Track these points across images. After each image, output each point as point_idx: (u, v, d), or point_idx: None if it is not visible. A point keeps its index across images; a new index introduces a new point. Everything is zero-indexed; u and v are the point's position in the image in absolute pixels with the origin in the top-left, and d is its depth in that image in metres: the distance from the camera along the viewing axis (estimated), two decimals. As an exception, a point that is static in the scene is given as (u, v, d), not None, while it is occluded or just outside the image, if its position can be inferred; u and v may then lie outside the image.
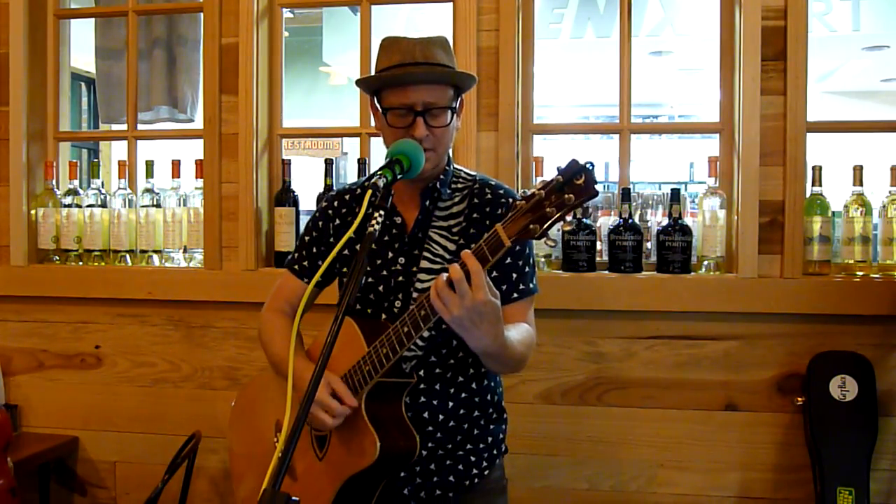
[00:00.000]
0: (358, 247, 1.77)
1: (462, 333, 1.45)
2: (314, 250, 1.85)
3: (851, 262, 2.45)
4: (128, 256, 2.84)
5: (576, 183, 1.30)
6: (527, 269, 1.71)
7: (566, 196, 1.31)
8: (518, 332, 1.60)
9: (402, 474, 1.69)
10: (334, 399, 1.57)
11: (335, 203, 1.85)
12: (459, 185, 1.76)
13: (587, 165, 1.31)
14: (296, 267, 1.88)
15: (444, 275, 1.40)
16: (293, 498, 1.14)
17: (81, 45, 3.27)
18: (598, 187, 1.34)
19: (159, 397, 2.80)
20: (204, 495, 2.77)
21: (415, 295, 1.67)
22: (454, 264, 1.39)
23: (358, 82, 1.75)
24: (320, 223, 1.85)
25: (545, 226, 1.34)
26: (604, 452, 2.53)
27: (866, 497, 2.28)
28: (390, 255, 1.74)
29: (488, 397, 1.77)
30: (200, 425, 2.64)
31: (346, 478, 1.61)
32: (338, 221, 1.82)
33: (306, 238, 1.88)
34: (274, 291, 1.92)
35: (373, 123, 1.91)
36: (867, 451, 2.31)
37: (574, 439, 2.54)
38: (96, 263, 2.84)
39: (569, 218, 1.34)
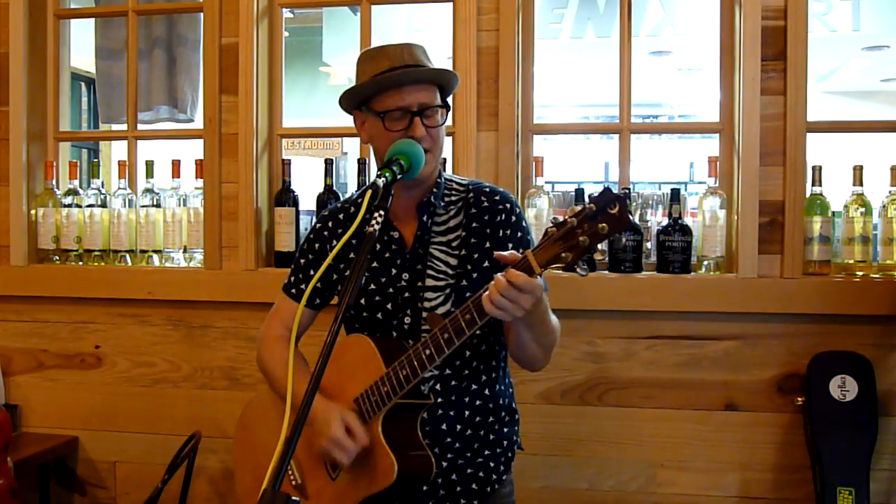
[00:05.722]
0: (352, 256, 1.76)
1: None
2: (311, 273, 1.81)
3: (851, 262, 2.44)
4: (128, 256, 2.84)
5: (609, 212, 1.27)
6: None
7: (600, 225, 1.28)
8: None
9: (425, 488, 1.68)
10: (348, 437, 1.57)
11: (329, 223, 1.82)
12: (454, 197, 1.75)
13: (621, 194, 1.28)
14: (293, 291, 1.84)
15: (498, 283, 1.39)
16: (293, 498, 1.14)
17: (81, 45, 3.26)
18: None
19: (159, 397, 2.80)
20: (204, 495, 2.77)
21: (423, 314, 1.66)
22: (500, 280, 1.38)
23: (348, 91, 1.69)
24: (316, 245, 1.82)
25: (577, 254, 1.31)
26: (604, 452, 2.53)
27: (866, 497, 2.28)
28: (394, 271, 1.72)
29: (501, 401, 1.77)
30: (200, 425, 2.64)
31: (360, 500, 1.61)
32: (334, 242, 1.78)
33: (302, 261, 1.84)
34: (271, 315, 1.88)
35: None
36: (867, 451, 2.31)
37: (574, 439, 2.54)
38: (96, 263, 2.84)
39: (600, 246, 1.32)
